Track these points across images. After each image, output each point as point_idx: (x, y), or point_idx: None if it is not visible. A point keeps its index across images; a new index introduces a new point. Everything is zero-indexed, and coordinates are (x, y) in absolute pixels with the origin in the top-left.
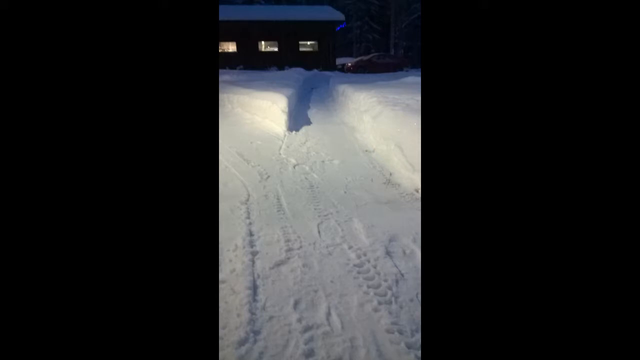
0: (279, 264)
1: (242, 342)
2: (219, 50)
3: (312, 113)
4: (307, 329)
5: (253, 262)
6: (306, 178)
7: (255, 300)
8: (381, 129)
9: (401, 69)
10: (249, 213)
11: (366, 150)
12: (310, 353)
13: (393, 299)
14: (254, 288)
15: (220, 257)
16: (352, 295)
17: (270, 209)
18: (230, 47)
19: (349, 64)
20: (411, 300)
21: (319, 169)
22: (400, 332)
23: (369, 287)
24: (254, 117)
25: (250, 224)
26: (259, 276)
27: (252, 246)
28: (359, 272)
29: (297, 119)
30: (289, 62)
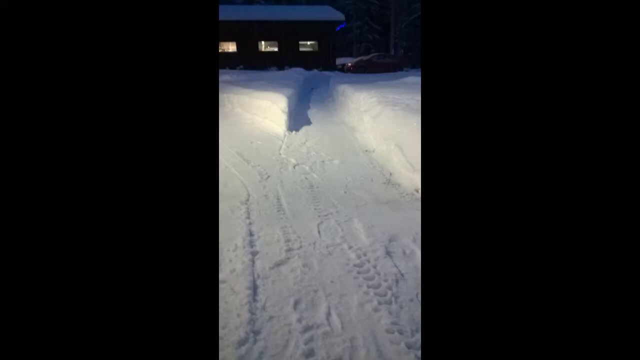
0: (279, 264)
1: (242, 342)
2: (219, 50)
3: (312, 113)
4: (307, 329)
5: (253, 262)
6: (306, 178)
7: (255, 300)
8: (381, 129)
9: (401, 69)
10: (249, 213)
11: (366, 150)
12: (310, 353)
13: (393, 299)
14: (254, 288)
15: (220, 257)
16: (352, 295)
17: (270, 209)
18: (230, 47)
19: (349, 64)
20: (411, 300)
21: (319, 169)
22: (400, 332)
23: (369, 287)
24: (254, 117)
25: (250, 224)
26: (259, 276)
27: (252, 246)
28: (359, 272)
29: (297, 119)
30: (289, 62)
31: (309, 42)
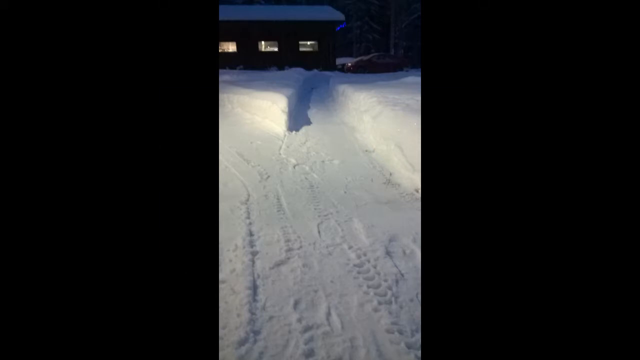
0: (279, 264)
1: (242, 342)
2: (219, 50)
3: (312, 113)
4: (307, 329)
5: (253, 262)
6: (306, 178)
7: (255, 300)
8: (381, 129)
9: (401, 69)
10: (249, 213)
11: (366, 150)
12: (310, 353)
13: (393, 299)
14: (254, 288)
15: (220, 257)
16: (352, 295)
17: (270, 209)
18: (230, 47)
19: (349, 64)
20: (411, 300)
21: (319, 169)
22: (400, 332)
23: (369, 287)
24: (254, 117)
25: (250, 224)
26: (259, 276)
27: (252, 246)
28: (359, 272)
29: (297, 119)
30: (289, 62)
31: (309, 42)
